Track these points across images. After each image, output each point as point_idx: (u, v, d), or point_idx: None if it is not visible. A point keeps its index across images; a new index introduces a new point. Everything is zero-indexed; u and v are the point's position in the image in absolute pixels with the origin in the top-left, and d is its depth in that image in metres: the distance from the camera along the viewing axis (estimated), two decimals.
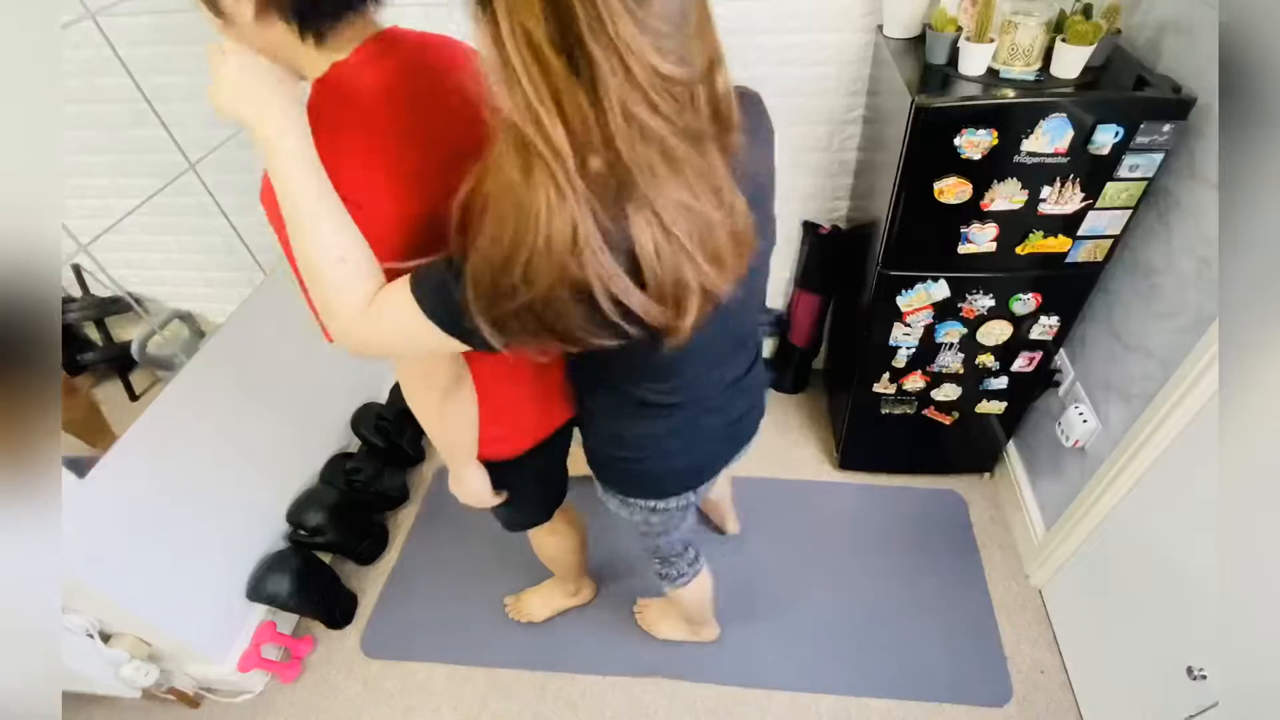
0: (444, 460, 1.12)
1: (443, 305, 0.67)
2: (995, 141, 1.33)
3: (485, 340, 0.67)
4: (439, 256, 0.68)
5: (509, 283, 0.61)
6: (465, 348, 0.72)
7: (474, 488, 1.14)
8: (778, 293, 2.31)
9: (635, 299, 0.63)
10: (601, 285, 0.61)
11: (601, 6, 0.51)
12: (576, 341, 0.67)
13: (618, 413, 0.99)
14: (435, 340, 0.70)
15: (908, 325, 1.68)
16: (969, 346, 1.72)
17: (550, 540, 1.54)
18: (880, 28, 1.65)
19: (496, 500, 1.19)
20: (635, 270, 0.63)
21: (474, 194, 0.62)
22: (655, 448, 1.02)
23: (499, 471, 1.16)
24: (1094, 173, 1.37)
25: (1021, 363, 1.75)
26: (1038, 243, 1.49)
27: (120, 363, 1.48)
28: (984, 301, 1.61)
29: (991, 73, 1.39)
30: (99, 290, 1.36)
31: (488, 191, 0.60)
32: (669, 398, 0.95)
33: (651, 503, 1.11)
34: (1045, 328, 1.66)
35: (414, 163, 0.74)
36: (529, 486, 1.29)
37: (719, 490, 1.87)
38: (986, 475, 2.13)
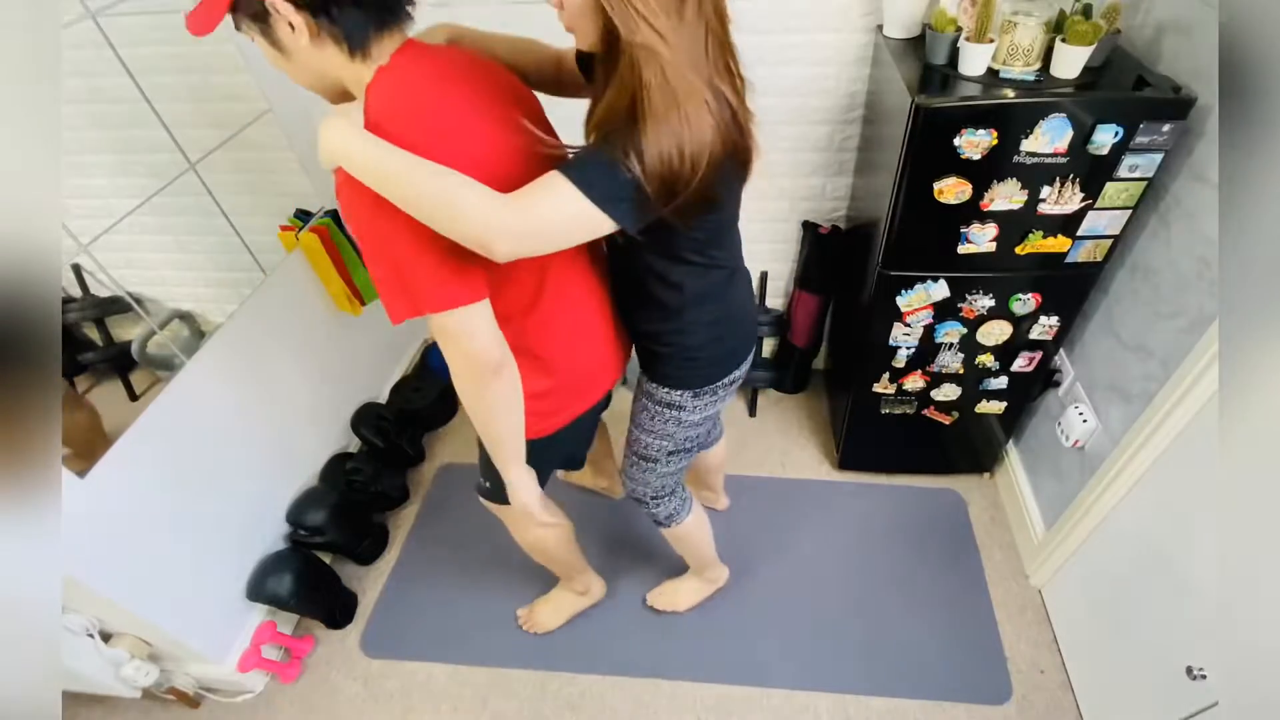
0: (497, 463, 1.14)
1: (609, 188, 0.82)
2: (995, 141, 1.33)
3: (640, 215, 0.86)
4: (585, 152, 0.85)
5: (679, 167, 0.82)
6: (614, 227, 0.86)
7: (521, 496, 1.17)
8: (778, 293, 2.31)
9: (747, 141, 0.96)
10: (731, 144, 0.90)
11: None
12: (715, 200, 0.93)
13: (706, 290, 1.11)
14: (592, 222, 0.84)
15: (907, 325, 1.68)
16: (969, 346, 1.72)
17: (542, 533, 1.52)
18: (880, 28, 1.65)
19: (548, 520, 1.24)
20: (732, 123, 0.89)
21: (612, 107, 0.84)
22: (730, 317, 1.19)
23: (535, 449, 1.19)
24: (1094, 173, 1.37)
25: (1021, 363, 1.75)
26: (1037, 243, 1.49)
27: (120, 363, 1.48)
28: (984, 301, 1.61)
29: (991, 73, 1.39)
30: (99, 290, 1.36)
31: (645, 98, 0.80)
32: (730, 260, 1.14)
33: (714, 388, 1.24)
34: (1045, 328, 1.66)
35: (486, 124, 0.90)
36: (551, 467, 1.34)
37: (718, 456, 1.87)
38: (986, 475, 2.13)
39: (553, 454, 1.28)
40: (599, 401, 1.28)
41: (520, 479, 1.15)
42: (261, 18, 0.80)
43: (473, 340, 0.91)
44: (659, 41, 0.77)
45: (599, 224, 0.84)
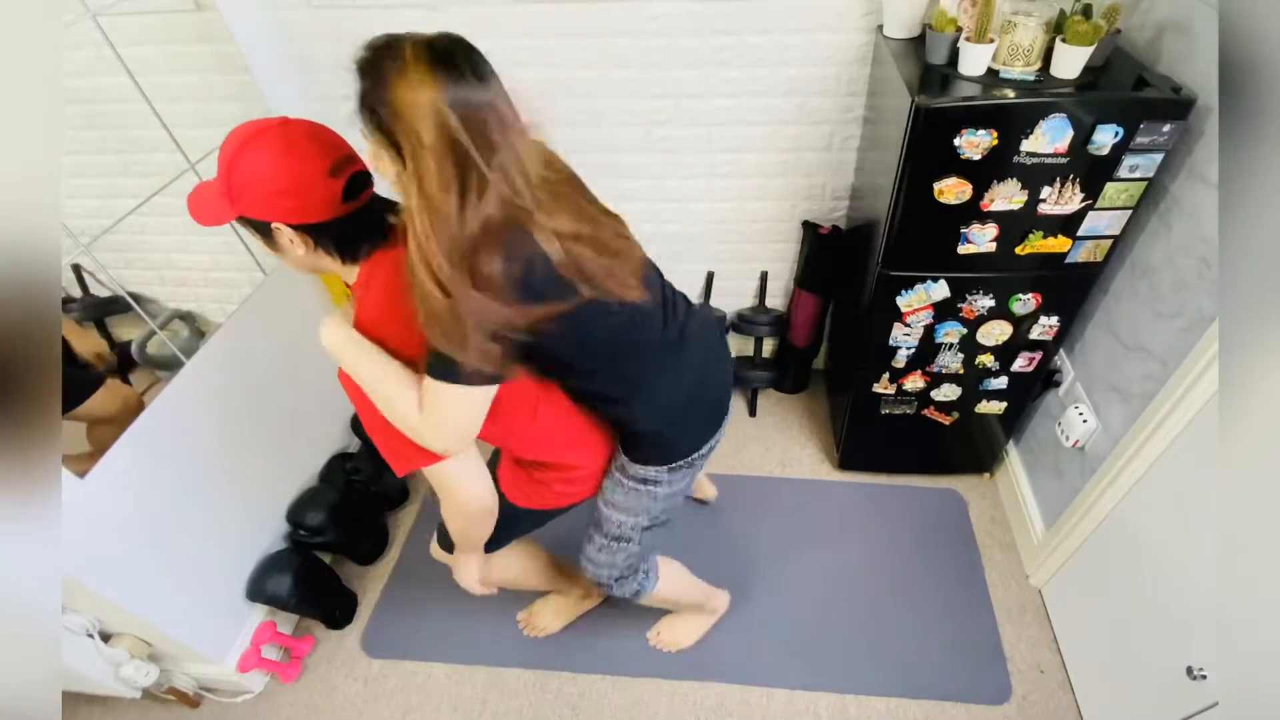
0: (457, 549, 1.31)
1: (451, 369, 0.91)
2: (995, 142, 1.33)
3: (488, 373, 0.93)
4: (430, 347, 0.93)
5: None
6: (491, 388, 0.97)
7: (463, 579, 1.36)
8: (778, 293, 2.31)
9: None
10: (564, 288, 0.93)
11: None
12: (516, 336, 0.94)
13: (641, 387, 1.15)
14: (477, 396, 0.96)
15: (907, 325, 1.68)
16: (969, 346, 1.72)
17: (511, 560, 1.54)
18: (880, 28, 1.65)
19: (485, 592, 1.43)
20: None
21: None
22: (691, 397, 1.21)
23: (543, 515, 1.36)
24: (1094, 173, 1.37)
25: (1021, 363, 1.75)
26: (1037, 243, 1.49)
27: (120, 363, 1.48)
28: (984, 302, 1.61)
29: (991, 73, 1.39)
30: (99, 290, 1.36)
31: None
32: (652, 357, 1.15)
33: (690, 460, 1.26)
34: (1045, 328, 1.66)
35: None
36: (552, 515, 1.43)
37: None
38: (986, 475, 2.13)
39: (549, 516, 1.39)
40: None
41: (468, 564, 1.34)
42: (264, 231, 0.94)
43: (465, 489, 1.09)
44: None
45: (484, 395, 0.97)
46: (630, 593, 1.45)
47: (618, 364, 1.10)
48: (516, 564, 1.57)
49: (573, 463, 1.26)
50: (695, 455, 1.26)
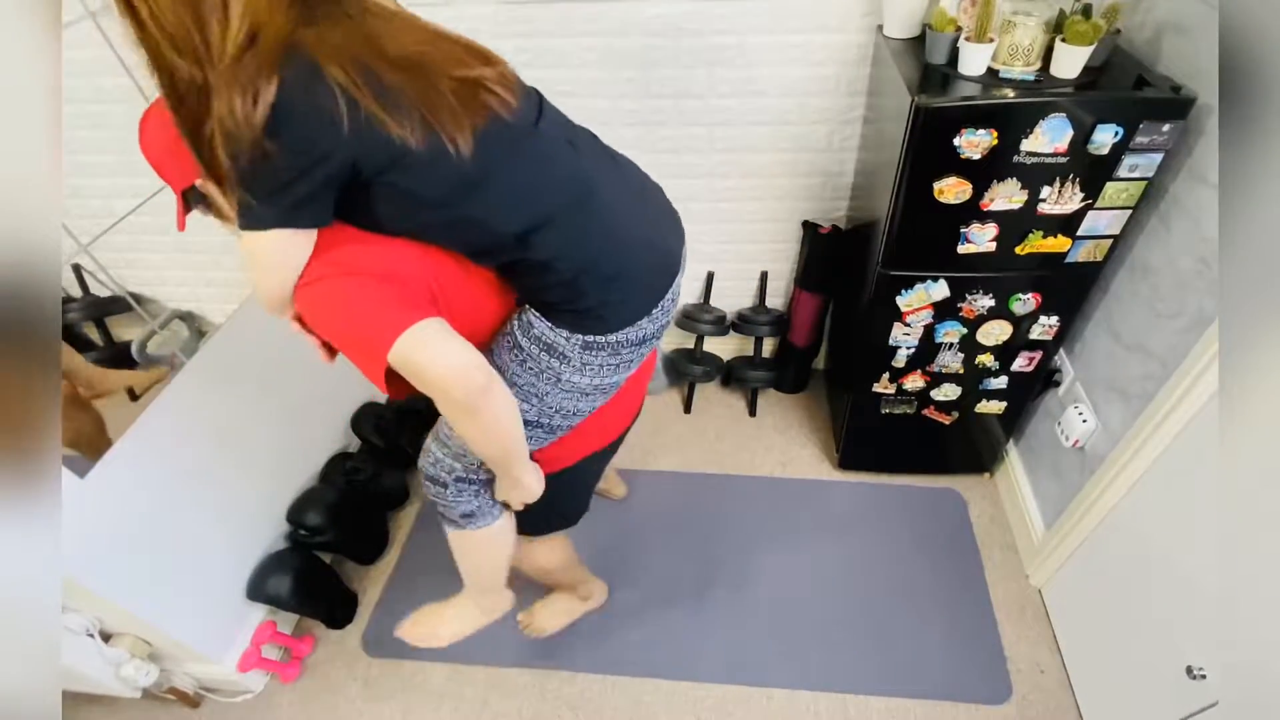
0: (504, 475, 1.10)
1: (249, 213, 0.84)
2: (995, 141, 1.33)
3: (295, 205, 0.83)
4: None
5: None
6: (298, 234, 0.87)
7: (531, 483, 1.13)
8: (778, 292, 2.31)
9: None
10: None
11: None
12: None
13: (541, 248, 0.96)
14: (280, 243, 0.87)
15: (907, 325, 1.68)
16: (969, 346, 1.72)
17: (541, 548, 1.49)
18: (880, 28, 1.65)
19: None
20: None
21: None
22: (608, 247, 1.01)
23: (569, 476, 1.24)
24: (1094, 173, 1.37)
25: (1021, 363, 1.75)
26: (1037, 243, 1.49)
27: (120, 363, 1.48)
28: (984, 301, 1.61)
29: (991, 73, 1.39)
30: (99, 290, 1.36)
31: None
32: (544, 201, 0.96)
33: (617, 339, 1.04)
34: (1045, 328, 1.66)
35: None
36: (583, 490, 1.37)
37: None
38: (986, 475, 2.13)
39: (583, 478, 1.30)
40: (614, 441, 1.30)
41: (531, 478, 1.12)
42: (203, 200, 0.93)
43: (439, 361, 0.87)
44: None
45: (282, 241, 0.87)
46: (460, 512, 1.19)
47: (490, 187, 0.90)
48: (560, 552, 1.54)
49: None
50: (625, 331, 1.03)
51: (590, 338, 1.01)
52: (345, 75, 0.77)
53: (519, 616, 1.83)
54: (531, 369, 1.02)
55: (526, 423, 1.05)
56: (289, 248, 0.88)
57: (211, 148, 0.78)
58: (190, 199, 0.94)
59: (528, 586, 1.86)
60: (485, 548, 1.32)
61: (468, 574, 1.43)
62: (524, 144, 0.92)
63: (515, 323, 1.03)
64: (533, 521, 1.33)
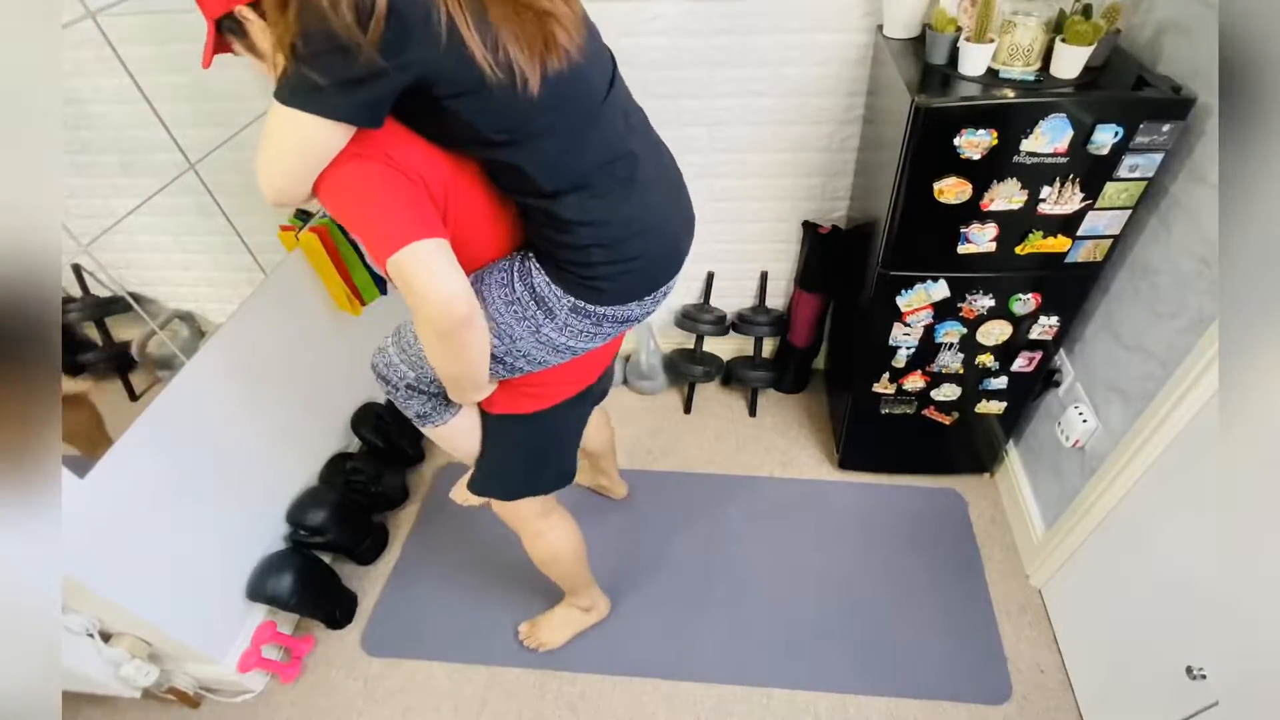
0: (457, 392, 1.11)
1: (301, 90, 0.81)
2: (995, 141, 1.33)
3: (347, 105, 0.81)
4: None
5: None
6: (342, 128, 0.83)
7: (485, 394, 1.16)
8: (778, 292, 2.31)
9: None
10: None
11: None
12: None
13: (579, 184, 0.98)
14: (311, 126, 0.82)
15: (907, 325, 1.68)
16: (969, 346, 1.72)
17: (554, 533, 1.49)
18: (880, 28, 1.65)
19: (471, 504, 1.21)
20: None
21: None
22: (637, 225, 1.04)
23: (544, 423, 1.21)
24: (1094, 173, 1.37)
25: (1021, 363, 1.75)
26: (1037, 243, 1.49)
27: (120, 363, 1.48)
28: (984, 301, 1.61)
29: (991, 73, 1.39)
30: (99, 290, 1.36)
31: None
32: (581, 167, 0.97)
33: (606, 311, 1.08)
34: (1045, 328, 1.66)
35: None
36: (564, 440, 1.33)
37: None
38: (986, 475, 2.13)
39: (555, 426, 1.27)
40: (592, 385, 1.27)
41: (478, 398, 1.16)
42: (238, 30, 0.86)
43: (430, 283, 0.88)
44: None
45: (328, 130, 0.83)
46: (414, 412, 1.21)
47: (548, 141, 0.91)
48: (575, 539, 1.52)
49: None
50: (614, 308, 1.05)
51: (580, 303, 1.03)
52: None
53: (520, 628, 1.82)
54: (516, 312, 1.03)
55: (491, 356, 1.07)
56: (331, 139, 0.84)
57: (297, 13, 0.74)
58: (225, 30, 0.87)
59: (528, 585, 1.86)
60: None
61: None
62: (585, 105, 0.93)
63: (515, 265, 1.04)
64: (521, 478, 1.34)
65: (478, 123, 0.87)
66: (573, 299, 1.02)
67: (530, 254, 1.04)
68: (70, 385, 1.36)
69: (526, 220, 1.02)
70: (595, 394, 1.35)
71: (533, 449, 1.29)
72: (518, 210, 1.03)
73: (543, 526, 1.47)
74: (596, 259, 0.99)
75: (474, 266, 1.05)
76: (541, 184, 0.94)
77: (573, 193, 0.95)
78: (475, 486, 1.36)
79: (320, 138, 0.83)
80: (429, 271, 0.87)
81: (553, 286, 1.02)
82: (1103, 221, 1.45)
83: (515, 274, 1.03)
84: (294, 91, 0.80)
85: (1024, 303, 1.61)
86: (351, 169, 0.87)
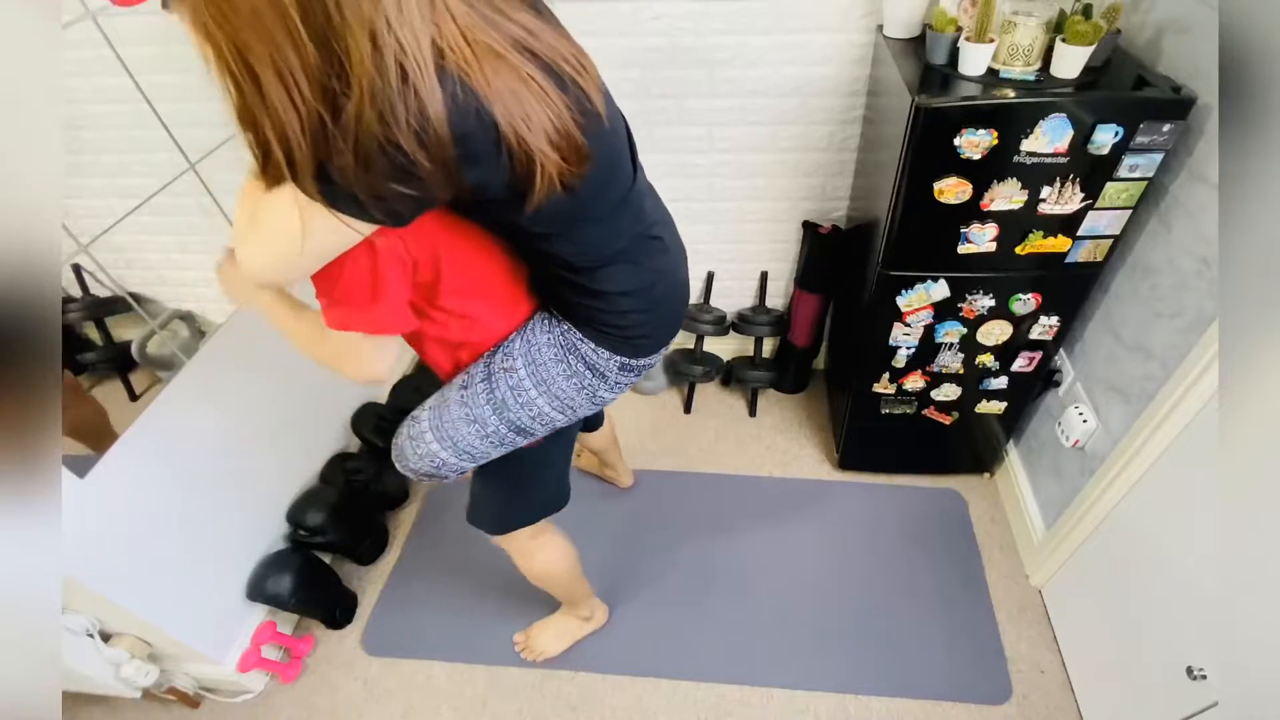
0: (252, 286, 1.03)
1: (333, 191, 0.71)
2: (995, 141, 1.33)
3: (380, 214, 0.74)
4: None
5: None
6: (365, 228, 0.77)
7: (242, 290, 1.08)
8: (778, 293, 2.31)
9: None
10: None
11: None
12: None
13: (608, 280, 1.00)
14: (336, 227, 0.75)
15: (908, 325, 1.68)
16: (969, 346, 1.72)
17: (545, 553, 1.47)
18: (880, 28, 1.65)
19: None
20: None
21: None
22: (653, 300, 1.07)
23: (518, 456, 1.18)
24: (1094, 173, 1.37)
25: (1021, 363, 1.75)
26: (1038, 243, 1.49)
27: (120, 363, 1.48)
28: (984, 301, 1.61)
29: (991, 73, 1.39)
30: (99, 290, 1.36)
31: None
32: (616, 243, 0.99)
33: (639, 363, 1.11)
34: (1045, 328, 1.66)
35: None
36: (556, 467, 1.31)
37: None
38: (986, 475, 2.13)
39: (546, 459, 1.26)
40: None
41: (248, 289, 1.06)
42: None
43: (363, 367, 0.92)
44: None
45: (350, 231, 0.76)
46: (427, 469, 1.15)
47: (589, 227, 0.91)
48: (567, 556, 1.50)
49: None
50: (653, 357, 1.10)
51: (627, 360, 1.07)
52: (508, 117, 0.71)
53: (515, 637, 1.81)
54: (575, 384, 1.06)
55: (554, 426, 1.12)
56: (353, 239, 0.77)
57: (357, 122, 0.65)
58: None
59: (528, 585, 1.86)
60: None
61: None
62: (620, 187, 0.94)
63: (560, 338, 1.04)
64: (513, 511, 1.34)
65: (517, 222, 0.85)
66: (620, 358, 1.06)
67: (567, 322, 1.04)
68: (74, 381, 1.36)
69: (556, 284, 1.01)
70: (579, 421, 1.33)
71: (521, 482, 1.29)
72: (545, 276, 1.02)
73: (532, 547, 1.44)
74: (635, 321, 1.03)
75: (481, 326, 1.05)
76: (578, 263, 0.95)
77: (610, 266, 0.97)
78: (469, 517, 1.37)
79: (345, 239, 0.76)
80: (365, 358, 0.90)
81: (599, 350, 1.04)
82: (1103, 221, 1.45)
83: (564, 348, 1.04)
84: (326, 192, 0.70)
85: (1024, 303, 1.61)
86: (355, 248, 0.82)
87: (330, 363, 0.93)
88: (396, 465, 1.18)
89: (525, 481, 1.29)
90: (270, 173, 0.72)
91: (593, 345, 1.03)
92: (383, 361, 0.92)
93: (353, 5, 0.62)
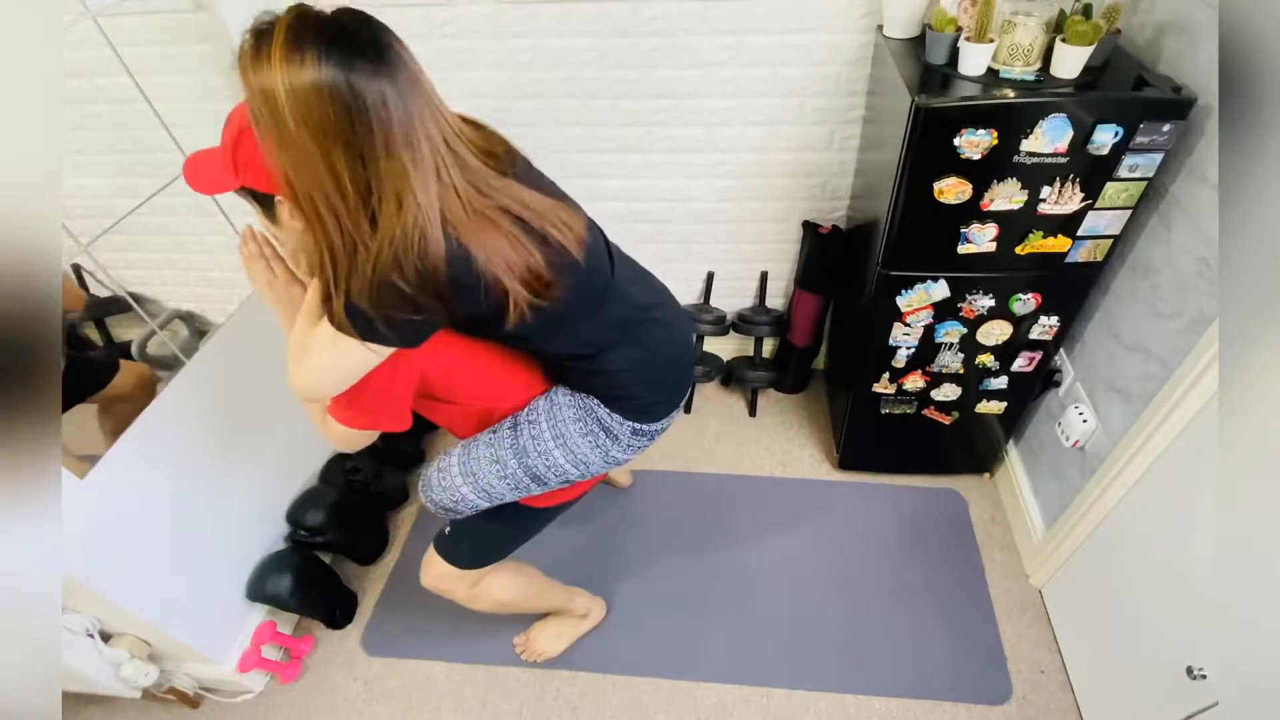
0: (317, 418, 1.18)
1: (363, 325, 0.91)
2: (995, 141, 1.33)
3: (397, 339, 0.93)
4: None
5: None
6: (387, 351, 0.96)
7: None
8: (778, 293, 2.31)
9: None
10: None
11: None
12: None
13: (604, 364, 1.14)
14: (364, 353, 0.95)
15: (907, 325, 1.68)
16: (969, 346, 1.72)
17: (490, 592, 1.47)
18: (880, 28, 1.65)
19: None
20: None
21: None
22: (654, 362, 1.20)
23: (543, 515, 1.34)
24: (1094, 173, 1.37)
25: (1021, 363, 1.75)
26: (1037, 243, 1.49)
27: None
28: (984, 301, 1.61)
29: (991, 73, 1.39)
30: (99, 290, 1.36)
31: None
32: (608, 335, 1.14)
33: (651, 429, 1.23)
34: (1045, 328, 1.66)
35: None
36: (532, 530, 1.40)
37: None
38: (986, 475, 2.13)
39: (547, 519, 1.38)
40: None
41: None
42: (266, 204, 0.95)
43: (350, 443, 1.13)
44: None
45: (373, 355, 0.95)
46: (447, 502, 1.26)
47: (577, 327, 1.07)
48: (513, 584, 1.52)
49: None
50: (666, 420, 1.22)
51: (639, 425, 1.19)
52: (489, 264, 0.89)
53: (515, 639, 1.80)
54: (590, 442, 1.17)
55: (566, 480, 1.22)
56: (378, 360, 0.96)
57: (376, 260, 0.84)
58: (247, 196, 0.97)
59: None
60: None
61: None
62: (602, 286, 1.07)
63: (579, 402, 1.17)
64: (493, 550, 1.40)
65: (512, 334, 1.00)
66: (632, 424, 1.18)
67: (584, 392, 1.17)
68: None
69: (566, 371, 1.17)
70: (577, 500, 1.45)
71: (520, 533, 1.40)
72: (557, 368, 1.18)
73: (475, 593, 1.45)
74: (641, 392, 1.16)
75: (488, 407, 1.21)
76: (578, 353, 1.10)
77: (608, 351, 1.11)
78: (442, 547, 1.39)
79: (371, 361, 0.95)
80: (354, 441, 1.12)
81: (613, 416, 1.16)
82: (1103, 221, 1.45)
83: (583, 410, 1.17)
84: (356, 327, 0.90)
85: (1024, 303, 1.61)
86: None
87: (322, 425, 1.12)
88: (420, 496, 1.30)
89: (523, 534, 1.40)
90: (324, 302, 0.92)
91: (608, 411, 1.16)
92: (366, 442, 1.14)
93: (390, 176, 0.81)
